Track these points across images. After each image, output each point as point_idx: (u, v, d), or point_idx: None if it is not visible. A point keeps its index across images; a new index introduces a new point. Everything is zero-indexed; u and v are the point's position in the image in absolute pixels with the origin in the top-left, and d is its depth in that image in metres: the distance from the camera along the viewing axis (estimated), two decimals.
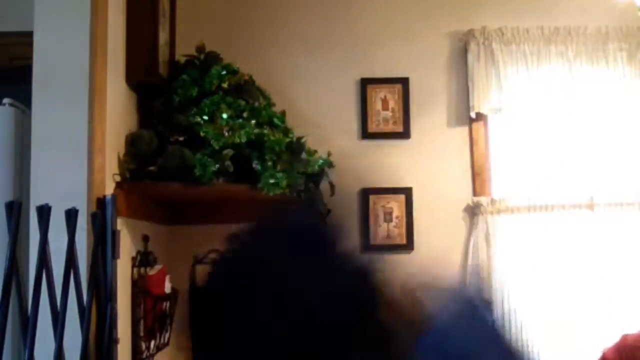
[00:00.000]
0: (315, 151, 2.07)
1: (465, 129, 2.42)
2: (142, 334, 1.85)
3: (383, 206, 2.34)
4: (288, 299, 0.68)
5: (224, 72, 2.02)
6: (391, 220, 2.34)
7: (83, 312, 1.38)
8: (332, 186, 2.08)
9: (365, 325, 0.68)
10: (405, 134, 2.38)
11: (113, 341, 1.49)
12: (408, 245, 2.32)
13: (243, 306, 0.70)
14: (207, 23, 2.38)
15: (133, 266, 1.85)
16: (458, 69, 2.44)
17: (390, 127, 2.39)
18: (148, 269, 1.95)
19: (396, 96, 2.41)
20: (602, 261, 2.32)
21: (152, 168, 1.83)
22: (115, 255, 1.53)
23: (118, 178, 1.74)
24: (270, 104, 2.11)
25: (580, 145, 2.40)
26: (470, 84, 2.39)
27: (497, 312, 2.13)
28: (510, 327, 2.16)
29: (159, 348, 1.97)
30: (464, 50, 2.43)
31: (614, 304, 2.29)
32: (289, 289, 0.69)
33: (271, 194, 1.86)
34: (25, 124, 1.60)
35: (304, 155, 2.00)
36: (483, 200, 2.33)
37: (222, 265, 0.78)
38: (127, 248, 1.79)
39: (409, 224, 2.33)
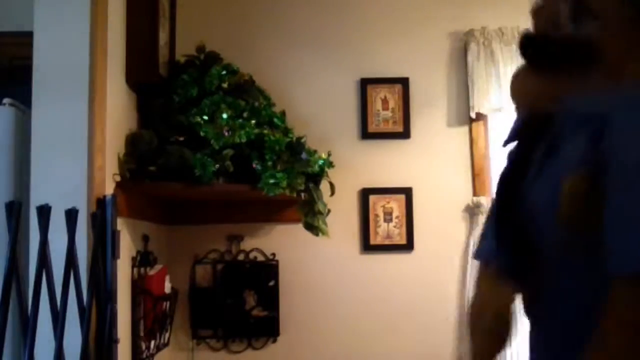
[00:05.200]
0: (315, 151, 2.07)
1: (465, 129, 2.42)
2: (142, 334, 1.85)
3: (383, 206, 2.34)
4: None
5: (224, 72, 2.03)
6: (391, 220, 2.34)
7: (83, 312, 1.38)
8: (332, 186, 2.08)
9: None
10: (405, 134, 2.38)
11: (113, 341, 1.49)
12: (408, 245, 2.32)
13: None
14: (207, 23, 2.38)
15: (133, 266, 1.85)
16: (458, 69, 2.44)
17: (390, 127, 2.39)
18: (148, 269, 1.95)
19: (396, 96, 2.41)
20: None
21: (152, 168, 1.83)
22: (115, 255, 1.53)
23: (118, 178, 1.74)
24: (270, 104, 2.11)
25: None
26: (470, 84, 2.38)
27: None
28: None
29: (159, 348, 1.97)
30: (464, 50, 2.43)
31: None
32: None
33: (271, 194, 1.86)
34: (25, 124, 1.60)
35: (304, 155, 2.00)
36: (483, 200, 2.33)
37: None
38: (127, 248, 1.79)
39: (409, 224, 2.33)
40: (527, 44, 0.83)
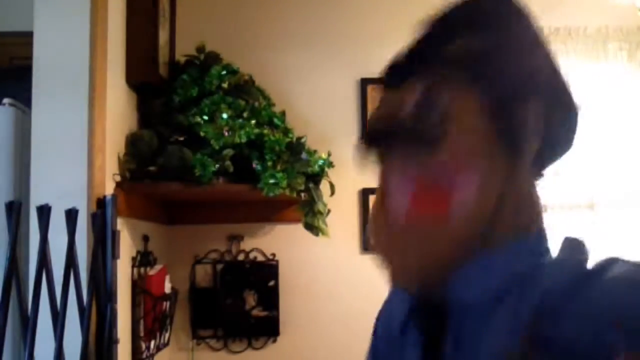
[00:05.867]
0: (315, 151, 2.07)
1: None
2: (142, 334, 1.85)
3: None
4: None
5: (224, 72, 2.03)
6: None
7: (83, 312, 1.38)
8: (332, 186, 2.08)
9: None
10: None
11: (113, 341, 1.49)
12: None
13: None
14: (207, 23, 2.38)
15: (133, 266, 1.85)
16: None
17: None
18: (148, 269, 1.95)
19: None
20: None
21: (152, 168, 1.83)
22: (115, 255, 1.53)
23: (118, 178, 1.74)
24: (270, 104, 2.11)
25: (580, 144, 2.40)
26: None
27: None
28: None
29: (159, 348, 1.97)
30: None
31: None
32: None
33: (271, 194, 1.86)
34: (25, 124, 1.60)
35: (304, 155, 2.00)
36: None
37: None
38: (127, 248, 1.79)
39: None
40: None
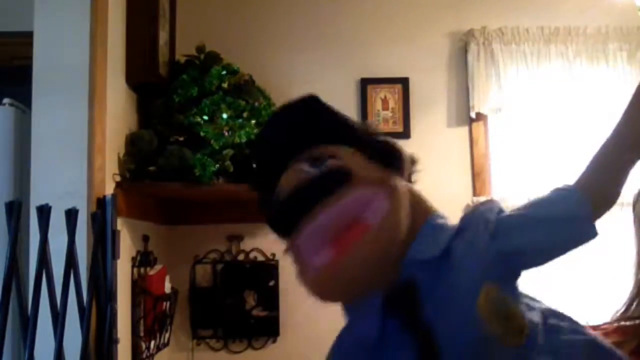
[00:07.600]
0: None
1: (465, 129, 2.42)
2: (142, 334, 1.85)
3: None
4: None
5: (224, 72, 2.03)
6: None
7: (83, 312, 1.38)
8: None
9: None
10: (405, 134, 2.38)
11: (113, 341, 1.49)
12: None
13: None
14: (207, 23, 2.38)
15: (133, 266, 1.85)
16: (458, 69, 2.44)
17: (390, 127, 2.39)
18: (148, 269, 1.95)
19: (396, 96, 2.41)
20: (599, 260, 2.32)
21: (152, 168, 1.83)
22: (115, 255, 1.53)
23: (118, 178, 1.74)
24: (270, 104, 2.11)
25: (580, 145, 2.40)
26: (470, 84, 2.38)
27: None
28: None
29: (159, 348, 1.97)
30: (464, 50, 2.43)
31: (608, 303, 2.28)
32: None
33: None
34: (25, 124, 1.60)
35: None
36: (483, 200, 2.33)
37: None
38: (127, 248, 1.79)
39: None
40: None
